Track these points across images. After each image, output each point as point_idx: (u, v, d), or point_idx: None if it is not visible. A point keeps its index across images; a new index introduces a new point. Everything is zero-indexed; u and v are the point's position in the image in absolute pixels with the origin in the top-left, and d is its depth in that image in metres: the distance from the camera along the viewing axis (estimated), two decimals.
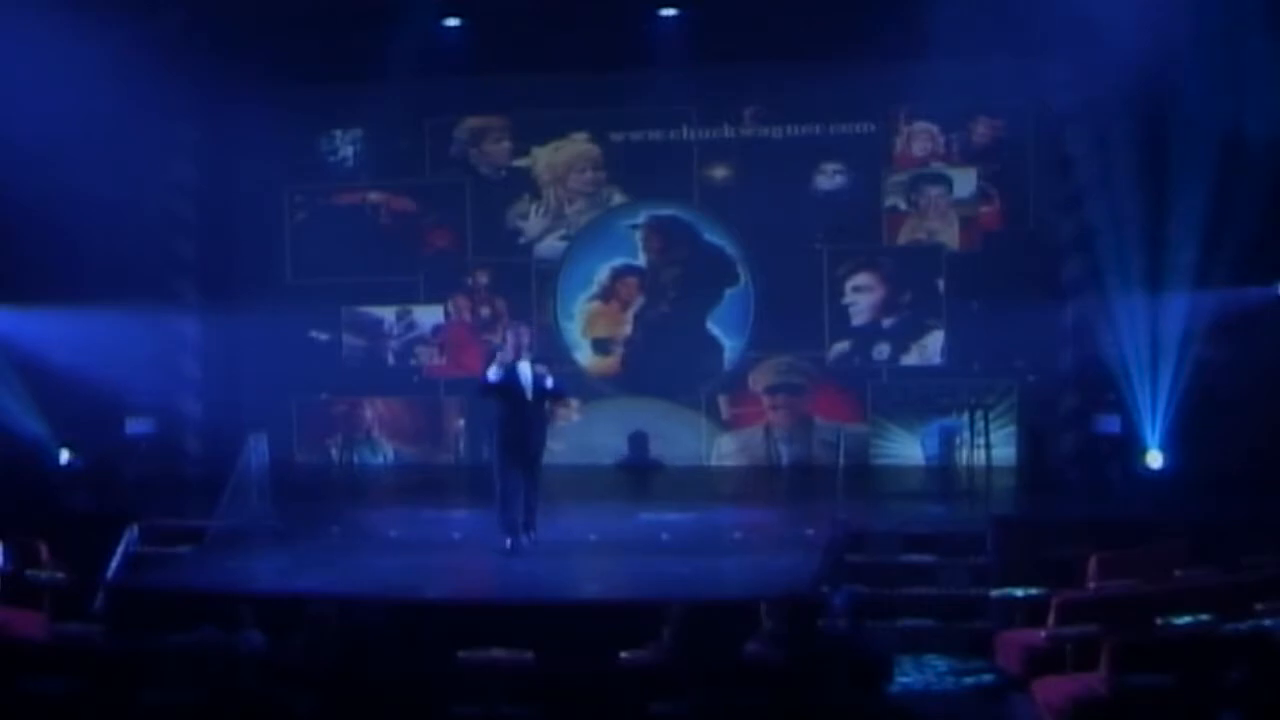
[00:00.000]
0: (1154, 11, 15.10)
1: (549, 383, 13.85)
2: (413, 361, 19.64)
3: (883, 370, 18.58)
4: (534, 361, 13.86)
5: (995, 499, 16.00)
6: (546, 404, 14.16)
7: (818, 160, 18.72)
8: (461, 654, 9.73)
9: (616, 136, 19.21)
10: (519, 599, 12.33)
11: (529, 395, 13.69)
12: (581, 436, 18.74)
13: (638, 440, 18.88)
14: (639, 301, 19.14)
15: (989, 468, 16.81)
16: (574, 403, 18.22)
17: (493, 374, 13.67)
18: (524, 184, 19.38)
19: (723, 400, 18.95)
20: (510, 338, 14.02)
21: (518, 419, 13.69)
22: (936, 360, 18.47)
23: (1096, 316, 16.91)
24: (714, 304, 18.92)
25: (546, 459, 14.25)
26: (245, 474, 15.03)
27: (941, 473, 17.61)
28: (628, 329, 19.18)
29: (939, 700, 11.42)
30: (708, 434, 18.92)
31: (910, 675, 11.73)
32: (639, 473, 18.62)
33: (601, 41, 17.45)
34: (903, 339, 18.54)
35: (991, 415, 17.19)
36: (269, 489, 15.15)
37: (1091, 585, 11.63)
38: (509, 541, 13.60)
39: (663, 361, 18.91)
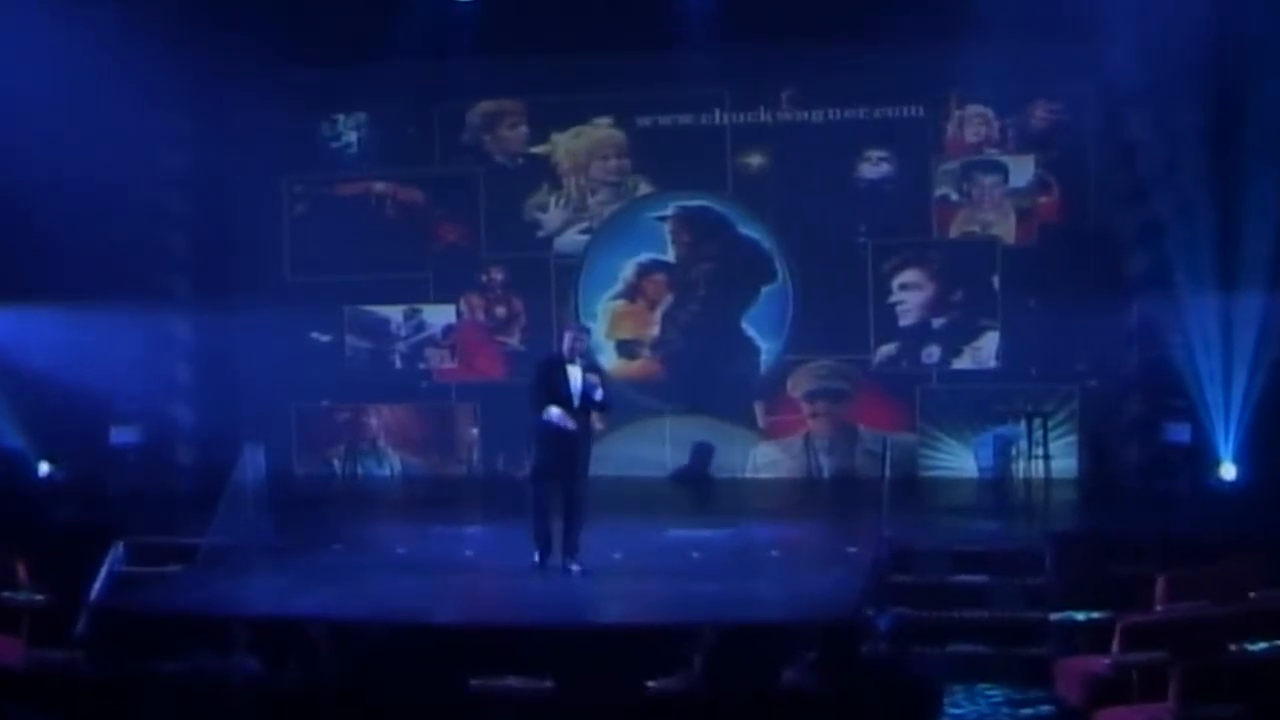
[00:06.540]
0: None
1: (598, 395, 13.50)
2: (422, 365, 19.66)
3: (932, 374, 18.53)
4: (586, 368, 13.61)
5: (1054, 514, 15.97)
6: (592, 415, 13.71)
7: (862, 147, 18.66)
8: (474, 682, 9.72)
9: (643, 121, 19.18)
10: (537, 623, 12.31)
11: (575, 404, 13.42)
12: (603, 446, 18.65)
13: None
14: (667, 300, 19.11)
15: (1048, 480, 16.76)
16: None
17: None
18: (542, 173, 19.37)
19: (758, 408, 18.91)
20: (566, 339, 13.78)
21: (560, 430, 13.46)
22: (991, 363, 18.40)
23: (1164, 316, 16.82)
24: (749, 303, 18.90)
25: None
26: (240, 487, 15.09)
27: (996, 485, 17.53)
28: (655, 330, 19.15)
29: None
30: (743, 444, 18.89)
31: (962, 706, 11.71)
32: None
33: (626, 18, 17.32)
34: (954, 340, 18.48)
35: (1050, 423, 17.16)
36: (266, 503, 15.18)
37: (1159, 608, 11.55)
38: (537, 555, 13.49)
39: (696, 367, 18.89)
